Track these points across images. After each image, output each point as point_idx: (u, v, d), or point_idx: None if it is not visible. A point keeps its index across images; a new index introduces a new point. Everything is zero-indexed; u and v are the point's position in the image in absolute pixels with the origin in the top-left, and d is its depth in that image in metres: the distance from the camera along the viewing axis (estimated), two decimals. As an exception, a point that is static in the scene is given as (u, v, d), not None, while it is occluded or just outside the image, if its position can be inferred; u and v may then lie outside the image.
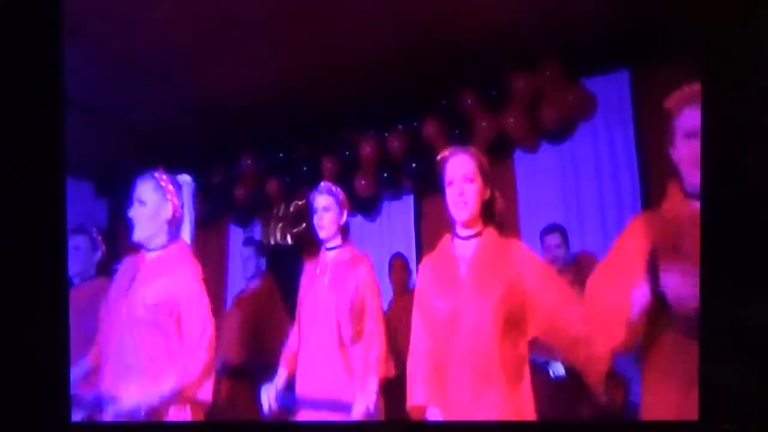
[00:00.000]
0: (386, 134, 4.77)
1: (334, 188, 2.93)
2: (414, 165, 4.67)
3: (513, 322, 2.04)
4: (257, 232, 5.30)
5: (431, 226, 4.72)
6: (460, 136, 4.49)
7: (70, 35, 3.81)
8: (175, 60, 4.21)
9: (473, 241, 2.11)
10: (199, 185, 5.15)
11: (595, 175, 4.33)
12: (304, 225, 5.09)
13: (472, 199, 2.08)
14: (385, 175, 4.79)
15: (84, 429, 2.00)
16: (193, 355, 2.24)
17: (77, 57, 4.05)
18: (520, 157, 4.57)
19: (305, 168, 5.02)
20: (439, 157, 2.19)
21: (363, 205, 4.95)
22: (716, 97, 1.40)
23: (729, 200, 1.40)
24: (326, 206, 2.84)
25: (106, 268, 3.15)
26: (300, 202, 5.06)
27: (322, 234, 2.86)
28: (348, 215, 2.93)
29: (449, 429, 1.95)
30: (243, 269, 4.29)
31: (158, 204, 2.36)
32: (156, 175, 2.40)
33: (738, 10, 1.43)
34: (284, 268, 4.80)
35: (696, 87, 1.72)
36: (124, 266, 2.45)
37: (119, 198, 5.68)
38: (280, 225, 5.13)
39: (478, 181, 2.09)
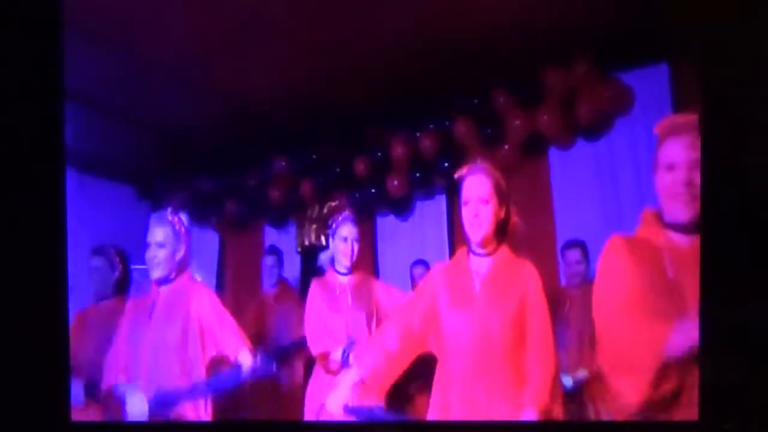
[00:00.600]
0: (418, 134, 4.71)
1: (355, 218, 3.21)
2: (446, 164, 4.60)
3: (523, 336, 2.11)
4: (281, 241, 5.32)
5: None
6: (493, 136, 4.42)
7: (105, 44, 3.93)
8: (208, 64, 4.27)
9: (488, 259, 2.18)
10: (235, 188, 5.28)
11: (633, 171, 4.17)
12: (337, 226, 5.09)
13: (487, 220, 2.14)
14: (417, 175, 4.74)
15: (84, 429, 2.03)
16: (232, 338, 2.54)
17: (114, 65, 4.18)
18: (555, 154, 4.45)
19: (338, 169, 5.01)
20: (456, 176, 2.25)
21: (395, 206, 4.92)
22: (716, 97, 1.33)
23: (729, 200, 1.34)
24: (355, 237, 3.12)
25: (123, 288, 3.35)
26: (333, 204, 5.05)
27: (346, 262, 3.11)
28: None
29: (449, 429, 1.94)
30: (266, 278, 4.38)
31: (174, 246, 2.63)
32: (170, 218, 2.66)
33: (738, 10, 1.36)
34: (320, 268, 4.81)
35: (683, 118, 1.68)
36: (138, 304, 2.70)
37: (160, 202, 5.84)
38: (314, 226, 5.14)
39: (494, 202, 2.15)
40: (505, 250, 2.20)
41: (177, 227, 2.66)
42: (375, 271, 5.06)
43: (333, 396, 2.21)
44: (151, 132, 5.15)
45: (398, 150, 4.77)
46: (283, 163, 5.27)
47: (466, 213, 2.16)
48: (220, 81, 4.48)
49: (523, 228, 2.26)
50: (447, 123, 4.60)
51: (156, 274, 2.62)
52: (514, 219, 2.24)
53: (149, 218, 2.70)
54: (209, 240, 5.74)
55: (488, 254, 2.18)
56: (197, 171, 5.49)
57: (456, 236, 4.77)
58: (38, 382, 1.69)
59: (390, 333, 2.24)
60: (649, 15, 3.61)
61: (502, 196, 2.18)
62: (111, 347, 2.63)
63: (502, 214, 2.18)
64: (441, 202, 4.89)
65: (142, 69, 4.26)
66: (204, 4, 3.60)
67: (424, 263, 4.39)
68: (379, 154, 4.86)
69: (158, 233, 2.62)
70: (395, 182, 4.77)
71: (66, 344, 1.75)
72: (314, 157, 5.17)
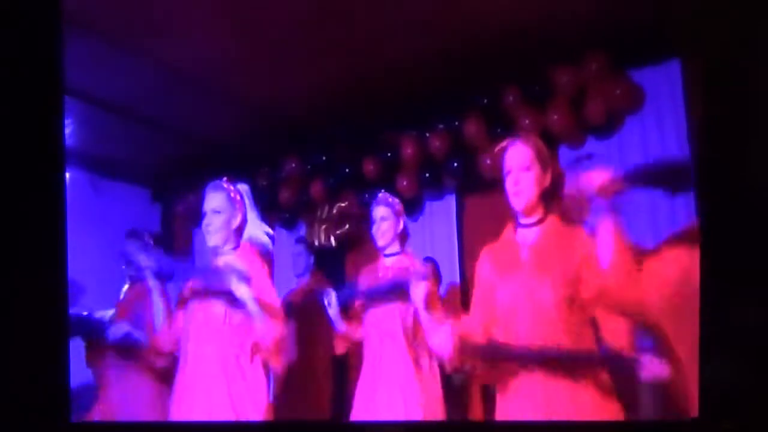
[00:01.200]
0: (427, 134, 4.69)
1: (390, 199, 3.19)
2: (456, 164, 4.58)
3: (578, 306, 2.01)
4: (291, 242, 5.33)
5: (473, 226, 4.63)
6: (503, 135, 4.37)
7: (125, 49, 3.96)
8: (221, 67, 4.29)
9: (535, 228, 2.12)
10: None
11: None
12: (347, 226, 5.09)
13: (529, 187, 2.09)
14: (427, 175, 4.72)
15: (84, 429, 2.04)
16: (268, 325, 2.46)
17: (132, 71, 4.22)
18: (565, 153, 4.40)
19: (347, 170, 5.01)
20: (497, 148, 2.20)
21: (405, 206, 4.87)
22: (716, 96, 1.30)
23: (729, 200, 1.30)
24: (384, 216, 3.10)
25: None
26: (343, 204, 5.06)
27: (381, 242, 3.10)
28: (405, 223, 3.17)
29: (449, 429, 1.92)
30: (294, 266, 4.38)
31: (230, 213, 2.59)
32: (225, 185, 2.64)
33: (739, 9, 1.33)
34: (328, 269, 4.81)
35: None
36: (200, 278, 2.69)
37: (172, 202, 5.89)
38: (323, 227, 5.14)
39: (536, 169, 2.10)
40: (554, 219, 2.13)
41: (232, 194, 2.64)
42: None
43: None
44: (164, 134, 5.18)
45: (408, 150, 4.76)
46: (293, 165, 5.27)
47: (508, 183, 2.12)
48: (231, 84, 4.50)
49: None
50: (456, 123, 4.57)
51: (213, 241, 2.60)
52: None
53: (205, 189, 2.68)
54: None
55: (535, 224, 2.12)
56: (210, 172, 5.50)
57: (465, 236, 4.75)
58: (38, 382, 1.69)
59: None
60: (661, 11, 3.57)
61: (545, 162, 2.12)
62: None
63: (547, 182, 2.11)
64: (450, 202, 4.87)
65: (155, 72, 4.29)
66: (219, 9, 3.61)
67: (432, 260, 4.37)
68: (389, 154, 4.85)
69: (213, 200, 2.60)
70: (405, 182, 4.76)
71: (66, 344, 1.76)
72: (324, 157, 5.17)
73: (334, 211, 5.11)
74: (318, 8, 3.62)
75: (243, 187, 2.72)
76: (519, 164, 2.10)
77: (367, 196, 4.91)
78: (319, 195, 5.14)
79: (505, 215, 2.31)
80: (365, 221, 4.78)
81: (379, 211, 3.09)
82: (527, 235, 2.13)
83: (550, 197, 2.13)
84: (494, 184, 4.48)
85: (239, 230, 2.65)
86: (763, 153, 1.33)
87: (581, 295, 2.01)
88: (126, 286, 3.55)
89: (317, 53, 4.08)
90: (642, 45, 3.95)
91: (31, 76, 1.75)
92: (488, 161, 4.33)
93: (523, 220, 2.14)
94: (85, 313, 3.27)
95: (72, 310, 3.14)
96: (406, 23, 3.79)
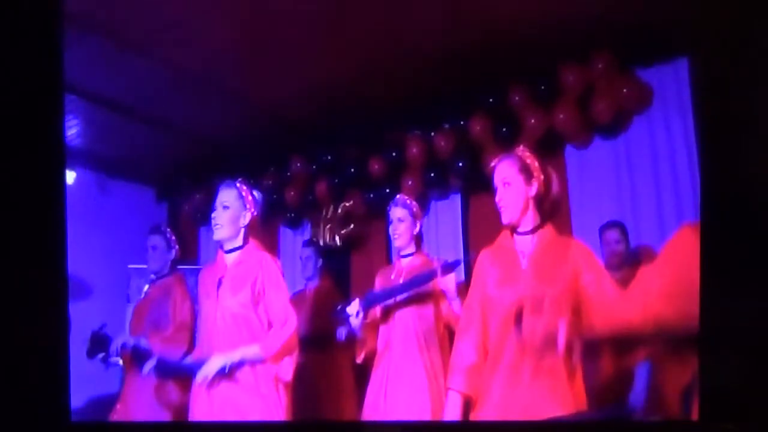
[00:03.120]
0: (433, 134, 4.68)
1: (408, 201, 3.17)
2: (461, 164, 4.56)
3: (575, 315, 2.04)
4: (296, 241, 5.32)
5: (479, 225, 4.61)
6: (508, 134, 4.36)
7: (133, 51, 3.98)
8: (227, 67, 4.29)
9: (530, 236, 2.17)
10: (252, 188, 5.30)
11: (651, 170, 4.09)
12: (352, 226, 5.09)
13: (511, 201, 2.16)
14: (432, 174, 4.70)
15: (84, 429, 2.04)
16: (276, 334, 2.56)
17: (137, 71, 4.23)
18: (571, 153, 4.38)
19: (353, 169, 4.99)
20: (490, 167, 2.28)
21: (410, 206, 4.88)
22: (716, 95, 1.29)
23: (729, 200, 1.29)
24: (401, 218, 3.07)
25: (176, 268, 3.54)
26: (348, 204, 5.05)
27: (397, 243, 3.11)
28: (421, 225, 3.14)
29: (448, 429, 1.91)
30: (303, 269, 4.35)
31: (238, 210, 2.66)
32: (238, 184, 2.71)
33: (739, 8, 1.32)
34: (335, 268, 4.80)
35: None
36: (207, 272, 2.77)
37: (178, 202, 5.90)
38: (328, 226, 5.13)
39: (518, 182, 2.16)
40: (548, 228, 2.19)
41: (243, 193, 2.70)
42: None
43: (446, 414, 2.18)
44: (170, 133, 5.19)
45: (413, 150, 4.74)
46: (299, 164, 5.27)
47: (496, 199, 2.20)
48: (237, 83, 4.50)
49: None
50: (462, 122, 4.56)
51: (218, 235, 2.65)
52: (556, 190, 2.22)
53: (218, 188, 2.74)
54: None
55: (530, 232, 2.18)
56: (215, 171, 5.51)
57: (471, 236, 4.73)
58: (38, 382, 1.69)
59: (464, 348, 2.19)
60: (669, 9, 3.54)
61: (528, 174, 2.17)
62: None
63: (533, 192, 2.16)
64: (456, 201, 4.85)
65: (161, 72, 4.30)
66: (224, 9, 3.61)
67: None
68: (394, 153, 4.83)
69: (223, 195, 2.67)
70: (410, 182, 4.74)
71: (66, 344, 1.76)
72: (329, 157, 5.16)
73: (340, 210, 5.10)
74: (324, 8, 3.62)
75: (257, 195, 2.80)
76: (501, 180, 2.19)
77: (372, 195, 4.90)
78: (325, 195, 5.14)
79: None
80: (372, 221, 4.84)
81: (397, 213, 3.09)
82: (524, 242, 2.18)
83: (541, 205, 2.19)
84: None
85: (248, 229, 2.70)
86: (763, 154, 1.32)
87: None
88: (146, 287, 3.63)
89: (322, 53, 4.07)
90: (650, 44, 3.91)
91: (32, 75, 1.75)
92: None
93: (519, 229, 2.19)
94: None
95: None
96: (411, 23, 3.78)
